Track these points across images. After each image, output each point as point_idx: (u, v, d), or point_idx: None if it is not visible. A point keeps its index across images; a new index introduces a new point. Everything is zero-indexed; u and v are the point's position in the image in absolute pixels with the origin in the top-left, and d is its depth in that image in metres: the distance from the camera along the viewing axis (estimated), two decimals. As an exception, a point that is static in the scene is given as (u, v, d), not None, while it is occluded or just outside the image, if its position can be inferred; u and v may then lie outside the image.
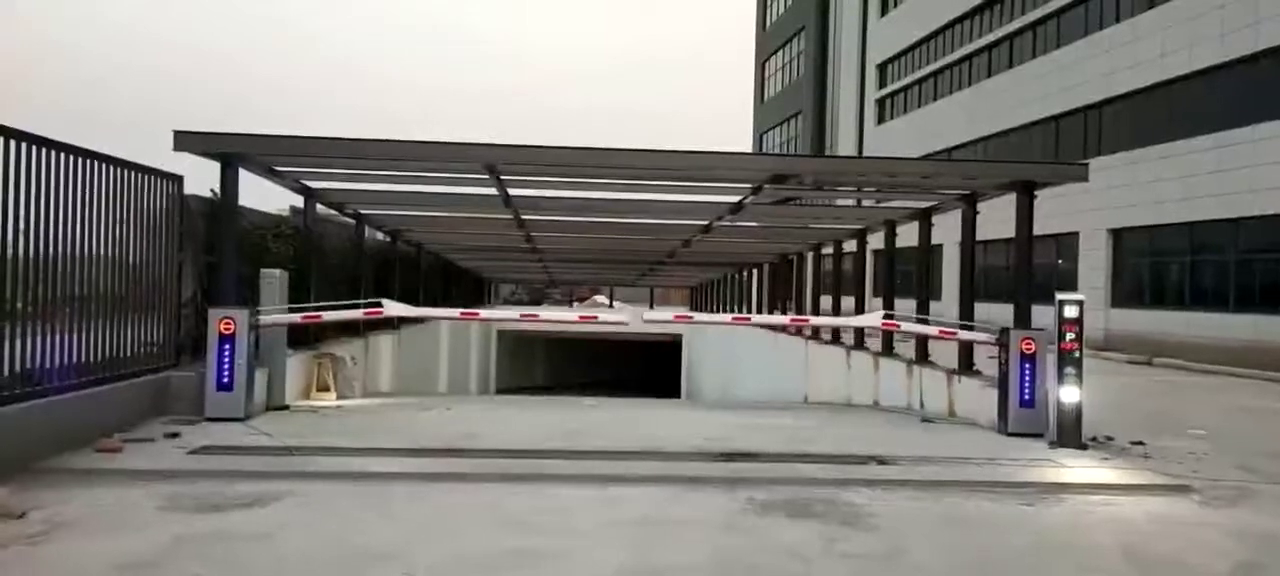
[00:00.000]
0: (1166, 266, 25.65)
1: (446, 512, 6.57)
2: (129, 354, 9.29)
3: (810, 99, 52.39)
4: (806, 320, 17.57)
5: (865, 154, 43.09)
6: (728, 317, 22.40)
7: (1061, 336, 9.55)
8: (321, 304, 12.65)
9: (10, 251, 7.29)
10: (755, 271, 28.40)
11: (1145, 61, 25.96)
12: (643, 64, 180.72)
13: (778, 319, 20.28)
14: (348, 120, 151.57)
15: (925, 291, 14.82)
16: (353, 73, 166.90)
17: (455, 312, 17.54)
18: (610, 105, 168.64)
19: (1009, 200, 11.87)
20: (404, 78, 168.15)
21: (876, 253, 18.29)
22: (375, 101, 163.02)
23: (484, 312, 17.66)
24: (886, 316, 13.17)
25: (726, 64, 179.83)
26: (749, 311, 28.60)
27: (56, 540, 5.63)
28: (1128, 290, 26.68)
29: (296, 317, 11.49)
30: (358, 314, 12.82)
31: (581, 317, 15.50)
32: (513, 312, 21.28)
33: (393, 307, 12.72)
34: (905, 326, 12.81)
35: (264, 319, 10.59)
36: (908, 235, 15.69)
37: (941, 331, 12.35)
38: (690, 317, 23.89)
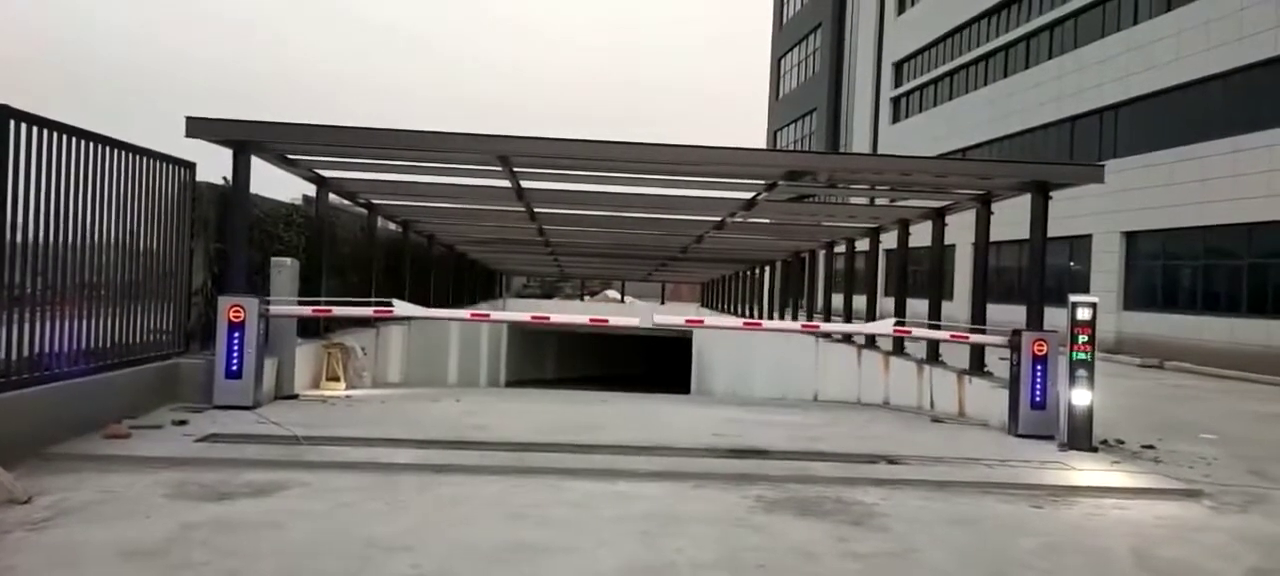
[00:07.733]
0: (1180, 270, 25.50)
1: (455, 504, 6.55)
2: (138, 340, 9.29)
3: (825, 96, 52.27)
4: (816, 326, 17.70)
5: (880, 152, 42.96)
6: (739, 322, 22.57)
7: (1074, 338, 9.50)
8: (333, 299, 12.60)
9: (21, 235, 7.29)
10: (768, 268, 28.35)
11: (1162, 64, 25.81)
12: (659, 41, 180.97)
13: (790, 325, 20.41)
14: (363, 104, 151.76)
15: (938, 292, 14.75)
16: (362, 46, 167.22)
17: (465, 314, 17.59)
18: (622, 79, 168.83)
19: (1022, 201, 11.78)
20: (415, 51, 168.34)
21: (889, 252, 18.21)
22: (389, 76, 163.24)
23: (495, 315, 17.55)
24: (898, 323, 12.99)
25: (746, 44, 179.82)
26: (760, 308, 28.59)
27: (61, 526, 5.63)
28: (1140, 293, 26.54)
29: (306, 311, 11.44)
30: (367, 312, 12.67)
31: (592, 320, 15.40)
32: (522, 315, 21.32)
33: (403, 308, 12.30)
34: (917, 332, 12.68)
35: (274, 309, 10.55)
36: (921, 234, 15.62)
37: (953, 336, 12.24)
38: (701, 321, 23.89)
